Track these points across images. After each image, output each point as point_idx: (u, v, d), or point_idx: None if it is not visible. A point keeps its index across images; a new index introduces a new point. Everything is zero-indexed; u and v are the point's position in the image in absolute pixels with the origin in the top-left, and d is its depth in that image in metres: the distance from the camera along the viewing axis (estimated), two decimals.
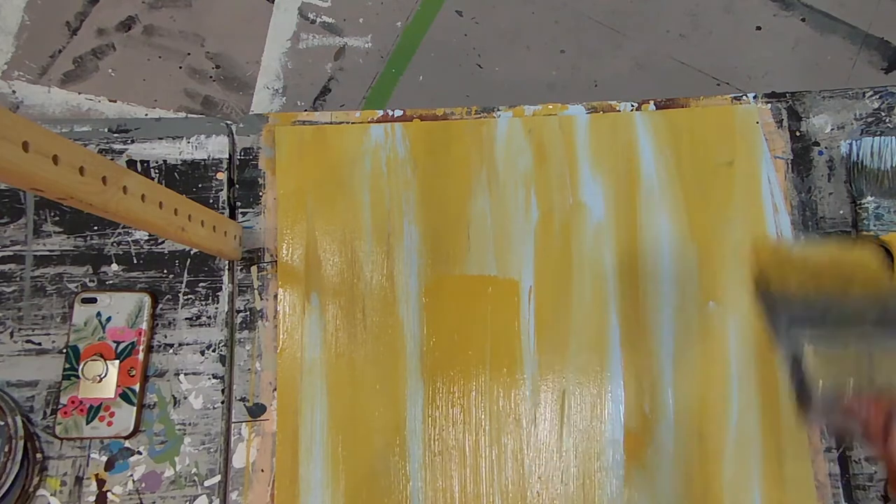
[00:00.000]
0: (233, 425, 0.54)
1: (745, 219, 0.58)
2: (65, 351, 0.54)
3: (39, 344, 0.55)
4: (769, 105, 0.61)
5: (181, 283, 0.57)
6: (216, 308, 0.56)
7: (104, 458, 0.53)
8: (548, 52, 1.47)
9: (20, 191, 0.59)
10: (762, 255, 0.44)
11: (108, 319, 0.54)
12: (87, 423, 0.52)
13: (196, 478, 0.53)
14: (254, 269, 0.58)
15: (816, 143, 0.60)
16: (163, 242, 0.58)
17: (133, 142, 0.60)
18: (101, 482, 0.53)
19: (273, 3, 1.49)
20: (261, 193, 0.59)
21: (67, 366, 0.53)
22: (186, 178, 0.59)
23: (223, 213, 0.58)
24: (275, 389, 0.55)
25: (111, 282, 0.57)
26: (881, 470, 0.53)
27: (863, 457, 0.54)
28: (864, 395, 0.37)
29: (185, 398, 0.55)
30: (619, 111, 0.61)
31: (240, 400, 0.55)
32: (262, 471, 0.53)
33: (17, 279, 0.57)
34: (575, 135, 0.60)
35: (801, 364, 0.39)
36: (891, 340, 0.39)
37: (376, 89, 1.44)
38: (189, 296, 0.57)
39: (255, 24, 1.48)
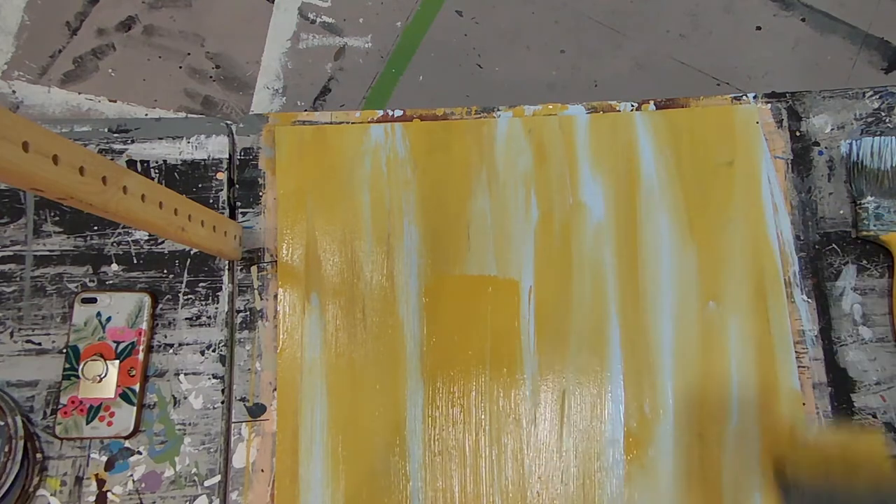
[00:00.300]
0: (233, 425, 0.54)
1: (745, 219, 0.58)
2: (65, 351, 0.54)
3: (39, 344, 0.55)
4: (769, 105, 0.61)
5: (181, 283, 0.57)
6: (216, 308, 0.56)
7: (104, 458, 0.53)
8: (548, 52, 1.47)
9: (20, 191, 0.59)
10: (782, 442, 0.48)
11: (108, 319, 0.54)
12: (87, 423, 0.52)
13: (196, 478, 0.53)
14: (254, 269, 0.58)
15: (816, 143, 0.60)
16: (163, 242, 0.58)
17: (133, 142, 0.60)
18: (101, 482, 0.53)
19: (273, 3, 1.49)
20: (261, 193, 0.59)
21: (67, 366, 0.53)
22: (186, 178, 0.59)
23: (223, 213, 0.58)
24: (275, 389, 0.55)
25: (111, 282, 0.57)
26: None
27: None
28: None
29: (185, 398, 0.55)
30: (619, 111, 0.61)
31: (240, 400, 0.55)
32: (262, 471, 0.53)
33: (17, 279, 0.57)
34: (575, 135, 0.60)
35: None
36: None
37: (376, 89, 1.44)
38: (189, 296, 0.57)
39: (255, 24, 1.48)
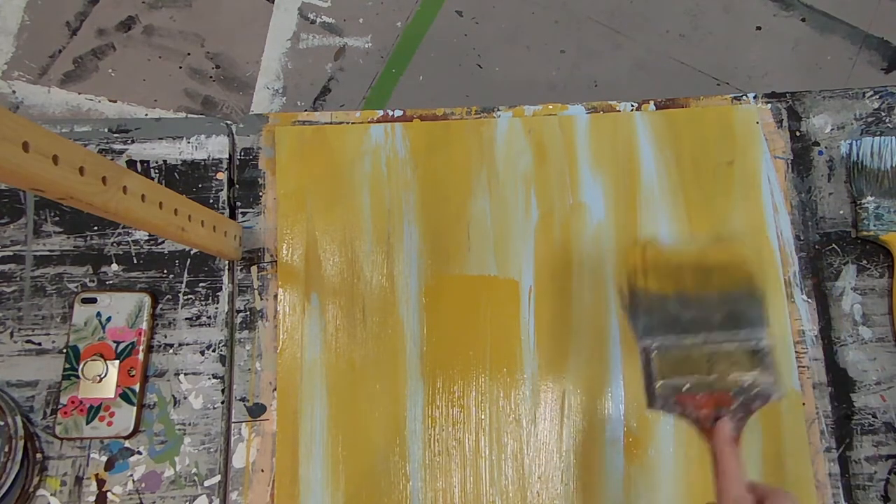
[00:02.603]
0: (233, 425, 0.54)
1: (745, 219, 0.58)
2: (65, 351, 0.54)
3: (39, 344, 0.55)
4: (769, 105, 0.61)
5: (181, 283, 0.57)
6: (216, 308, 0.56)
7: (104, 458, 0.53)
8: (548, 52, 1.47)
9: (20, 191, 0.59)
10: (633, 256, 0.49)
11: (108, 319, 0.54)
12: (87, 423, 0.52)
13: (196, 478, 0.53)
14: (254, 269, 0.58)
15: (816, 143, 0.60)
16: (163, 242, 0.58)
17: (133, 142, 0.60)
18: (101, 482, 0.53)
19: (273, 3, 1.49)
20: (261, 193, 0.59)
21: (67, 366, 0.53)
22: (186, 178, 0.59)
23: (223, 213, 0.58)
24: (275, 389, 0.55)
25: (111, 282, 0.57)
26: (881, 470, 0.53)
27: (863, 457, 0.54)
28: (699, 392, 0.44)
29: (185, 398, 0.55)
30: (619, 111, 0.61)
31: (240, 400, 0.55)
32: (262, 471, 0.53)
33: (17, 279, 0.57)
34: (575, 135, 0.60)
35: (649, 364, 0.45)
36: (729, 343, 0.45)
37: (376, 89, 1.44)
38: (189, 296, 0.57)
39: (255, 24, 1.48)
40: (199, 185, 0.59)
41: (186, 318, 0.56)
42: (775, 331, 0.51)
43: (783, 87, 0.63)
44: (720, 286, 0.46)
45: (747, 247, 0.53)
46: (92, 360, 0.53)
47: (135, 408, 0.53)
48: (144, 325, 0.55)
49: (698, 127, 0.60)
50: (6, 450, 0.49)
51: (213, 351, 0.56)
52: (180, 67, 1.45)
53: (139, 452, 0.53)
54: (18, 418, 0.50)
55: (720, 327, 0.45)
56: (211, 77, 1.44)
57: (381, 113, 0.61)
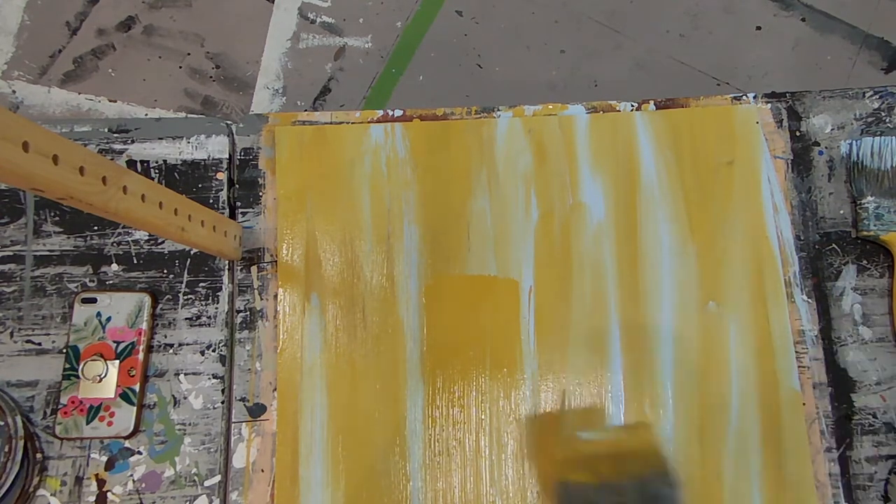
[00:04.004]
0: (233, 425, 0.54)
1: (745, 219, 0.58)
2: (65, 351, 0.54)
3: (39, 344, 0.55)
4: (769, 105, 0.61)
5: (181, 283, 0.57)
6: (216, 308, 0.56)
7: (104, 458, 0.53)
8: (548, 52, 1.47)
9: (20, 191, 0.59)
10: (556, 451, 0.52)
11: (108, 319, 0.54)
12: (87, 423, 0.52)
13: (196, 478, 0.53)
14: (254, 269, 0.58)
15: (816, 143, 0.60)
16: (163, 242, 0.58)
17: (133, 142, 0.60)
18: (101, 482, 0.53)
19: (273, 3, 1.49)
20: (261, 193, 0.59)
21: (67, 366, 0.53)
22: (186, 178, 0.59)
23: (223, 213, 0.58)
24: (275, 389, 0.55)
25: (111, 282, 0.57)
26: (881, 470, 0.53)
27: (863, 457, 0.54)
28: None
29: (185, 398, 0.55)
30: (619, 111, 0.61)
31: (240, 400, 0.55)
32: (262, 471, 0.53)
33: (17, 279, 0.57)
34: (575, 135, 0.60)
35: None
36: None
37: (376, 89, 1.44)
38: (189, 296, 0.57)
39: (255, 24, 1.48)
40: (199, 185, 0.59)
41: (186, 318, 0.56)
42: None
43: (783, 87, 0.63)
44: (636, 472, 0.51)
45: (654, 433, 0.54)
46: (92, 360, 0.53)
47: (135, 408, 0.53)
48: (144, 325, 0.55)
49: (698, 127, 0.60)
50: (6, 450, 0.49)
51: (213, 351, 0.56)
52: (180, 67, 1.45)
53: (139, 452, 0.53)
54: (18, 418, 0.50)
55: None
56: (211, 77, 1.44)
57: (381, 113, 0.61)
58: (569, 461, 0.52)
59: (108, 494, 0.52)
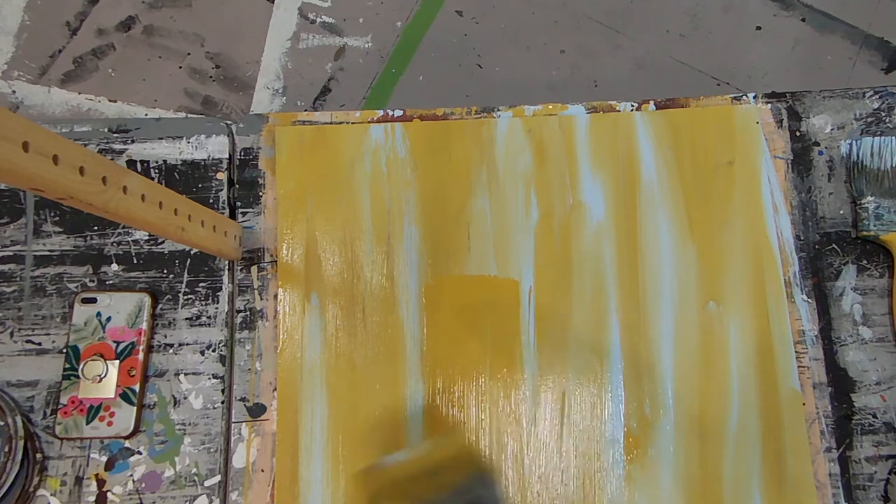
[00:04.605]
0: (233, 425, 0.54)
1: (745, 219, 0.58)
2: (65, 351, 0.54)
3: (39, 344, 0.55)
4: (769, 105, 0.61)
5: (181, 283, 0.57)
6: (216, 308, 0.56)
7: (104, 458, 0.53)
8: (548, 52, 1.47)
9: (20, 191, 0.59)
10: (367, 485, 0.51)
11: (108, 319, 0.54)
12: (87, 423, 0.52)
13: (196, 478, 0.53)
14: (254, 269, 0.58)
15: (816, 143, 0.60)
16: (163, 242, 0.58)
17: (133, 142, 0.60)
18: (101, 482, 0.53)
19: (273, 3, 1.49)
20: (261, 193, 0.59)
21: (67, 366, 0.53)
22: (186, 178, 0.59)
23: (223, 213, 0.58)
24: (275, 389, 0.55)
25: (111, 282, 0.57)
26: (881, 470, 0.53)
27: (863, 457, 0.54)
28: None
29: (185, 398, 0.55)
30: (619, 111, 0.61)
31: (240, 400, 0.55)
32: (262, 471, 0.53)
33: (17, 279, 0.57)
34: (575, 135, 0.60)
35: None
36: None
37: (376, 89, 1.44)
38: (189, 296, 0.57)
39: (255, 24, 1.48)
40: (199, 185, 0.59)
41: (186, 318, 0.56)
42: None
43: (783, 87, 0.63)
44: (451, 482, 0.49)
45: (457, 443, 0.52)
46: (92, 360, 0.53)
47: (135, 408, 0.53)
48: (144, 325, 0.55)
49: (698, 127, 0.60)
50: (6, 450, 0.49)
51: (213, 351, 0.56)
52: (180, 67, 1.45)
53: (139, 452, 0.53)
54: (18, 418, 0.50)
55: None
56: (211, 77, 1.44)
57: (381, 113, 0.61)
58: (382, 492, 0.50)
59: (108, 494, 0.52)
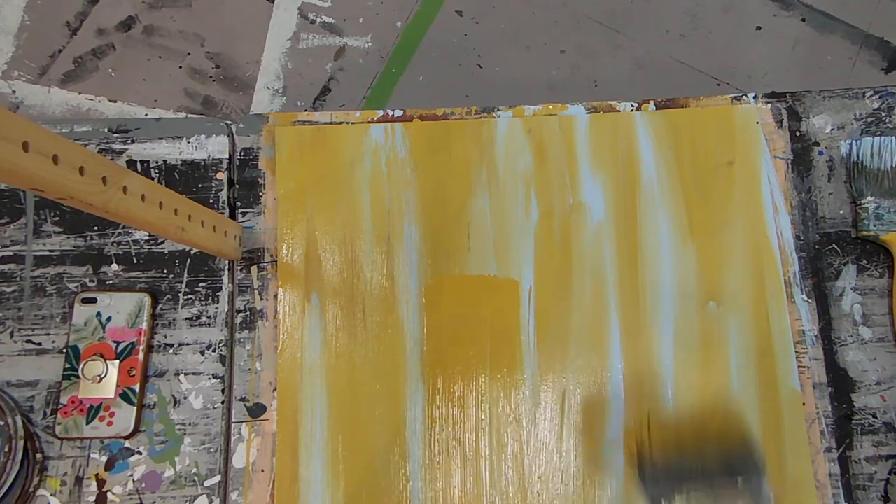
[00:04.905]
0: (233, 425, 0.54)
1: (745, 219, 0.58)
2: (65, 351, 0.54)
3: (39, 344, 0.55)
4: (769, 105, 0.61)
5: (181, 283, 0.57)
6: (216, 308, 0.56)
7: (104, 458, 0.53)
8: (548, 52, 1.47)
9: (20, 191, 0.59)
10: (642, 425, 0.54)
11: (108, 319, 0.54)
12: (87, 423, 0.52)
13: (196, 478, 0.53)
14: (254, 269, 0.58)
15: (816, 143, 0.60)
16: (163, 242, 0.58)
17: (133, 142, 0.60)
18: (101, 482, 0.53)
19: (273, 3, 1.49)
20: (261, 193, 0.59)
21: (67, 366, 0.53)
22: (186, 178, 0.59)
23: (223, 213, 0.58)
24: (275, 389, 0.55)
25: (111, 282, 0.57)
26: (881, 470, 0.53)
27: (863, 457, 0.54)
28: None
29: (185, 398, 0.55)
30: (619, 111, 0.61)
31: (240, 400, 0.55)
32: (262, 471, 0.53)
33: (17, 279, 0.57)
34: (575, 135, 0.60)
35: None
36: (731, 488, 0.52)
37: (376, 89, 1.44)
38: (189, 296, 0.57)
39: (255, 24, 1.48)
40: (199, 185, 0.59)
41: (186, 318, 0.56)
42: (774, 478, 0.53)
43: (783, 87, 0.63)
44: (718, 441, 0.53)
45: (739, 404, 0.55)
46: (92, 360, 0.53)
47: (135, 408, 0.53)
48: (144, 325, 0.55)
49: (698, 127, 0.60)
50: (6, 450, 0.49)
51: (213, 351, 0.56)
52: (180, 67, 1.45)
53: (139, 452, 0.53)
54: (18, 418, 0.50)
55: (722, 475, 0.52)
56: (211, 77, 1.44)
57: (381, 113, 0.61)
58: (653, 440, 0.54)
59: (108, 494, 0.52)
